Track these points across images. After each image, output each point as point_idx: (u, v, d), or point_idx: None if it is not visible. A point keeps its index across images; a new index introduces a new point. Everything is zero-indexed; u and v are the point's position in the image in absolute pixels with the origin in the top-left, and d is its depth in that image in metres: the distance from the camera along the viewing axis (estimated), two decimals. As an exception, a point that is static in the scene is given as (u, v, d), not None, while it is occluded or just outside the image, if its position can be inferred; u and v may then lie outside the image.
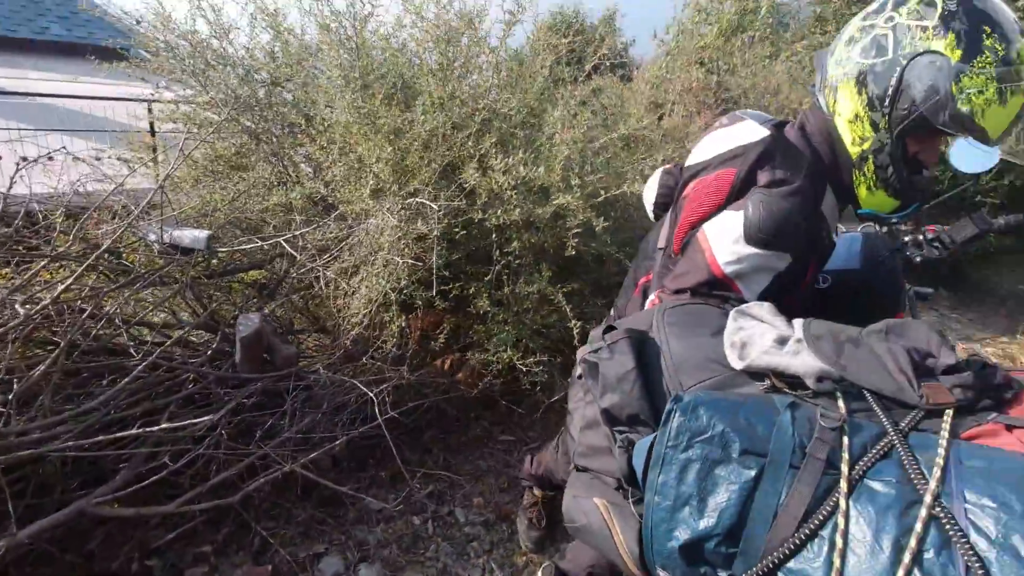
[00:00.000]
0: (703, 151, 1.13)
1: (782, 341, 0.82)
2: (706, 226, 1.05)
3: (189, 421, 1.61)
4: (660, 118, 4.45)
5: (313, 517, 1.89)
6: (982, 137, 0.92)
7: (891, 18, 0.93)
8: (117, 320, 1.91)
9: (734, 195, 1.03)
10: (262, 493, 1.86)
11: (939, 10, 0.89)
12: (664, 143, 3.05)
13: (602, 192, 1.91)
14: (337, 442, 1.92)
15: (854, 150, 1.01)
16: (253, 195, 2.55)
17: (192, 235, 2.17)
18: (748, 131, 1.08)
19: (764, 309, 0.90)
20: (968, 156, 1.69)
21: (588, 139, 1.98)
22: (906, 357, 0.75)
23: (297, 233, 2.04)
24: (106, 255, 2.01)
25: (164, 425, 1.57)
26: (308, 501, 1.94)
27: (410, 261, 1.77)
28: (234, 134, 2.65)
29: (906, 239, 1.66)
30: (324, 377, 2.06)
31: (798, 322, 0.86)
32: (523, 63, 2.17)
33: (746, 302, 0.97)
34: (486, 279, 2.02)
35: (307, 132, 2.21)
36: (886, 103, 0.94)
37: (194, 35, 2.59)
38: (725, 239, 1.01)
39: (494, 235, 1.97)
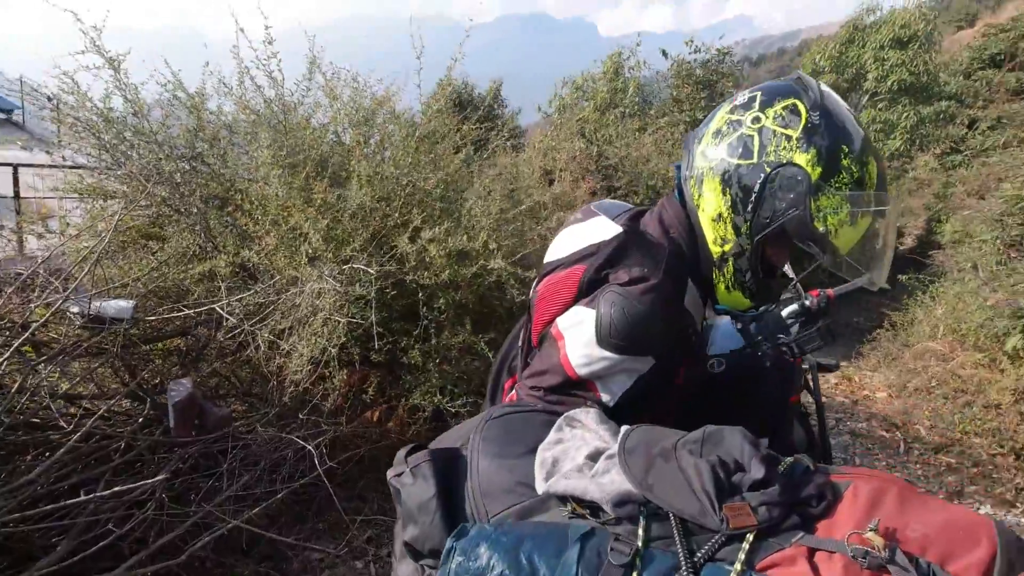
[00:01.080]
0: (559, 248, 1.11)
1: (595, 456, 0.79)
2: (559, 320, 1.00)
3: (136, 484, 1.66)
4: (550, 183, 5.01)
5: (257, 572, 1.95)
6: (832, 252, 0.94)
7: (758, 119, 0.92)
8: (43, 392, 1.91)
9: (583, 292, 1.00)
10: (205, 553, 1.90)
11: (803, 120, 0.90)
12: (556, 207, 3.52)
13: (518, 251, 2.27)
14: (278, 495, 2.01)
15: (715, 249, 1.00)
16: (173, 264, 2.61)
17: (116, 306, 2.21)
18: (601, 228, 1.05)
19: (591, 416, 0.87)
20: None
21: (501, 210, 2.34)
22: (711, 475, 0.70)
23: (232, 300, 2.16)
24: (20, 328, 2.00)
25: (115, 489, 1.61)
26: (250, 558, 2.00)
27: (348, 319, 1.98)
28: (152, 206, 2.72)
29: (788, 308, 1.79)
30: (260, 435, 2.16)
31: (622, 431, 0.82)
32: (437, 143, 2.51)
33: (600, 403, 0.96)
34: (415, 333, 2.26)
35: (237, 204, 2.36)
36: (748, 208, 0.93)
37: (110, 111, 2.67)
38: (578, 340, 0.95)
39: (420, 294, 2.24)
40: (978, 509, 3.08)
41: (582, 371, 0.96)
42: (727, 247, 0.98)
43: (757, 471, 0.71)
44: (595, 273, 0.99)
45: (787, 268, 2.12)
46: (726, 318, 1.53)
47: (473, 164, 2.62)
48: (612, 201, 1.18)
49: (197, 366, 2.47)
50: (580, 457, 0.80)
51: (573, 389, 0.97)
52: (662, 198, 1.10)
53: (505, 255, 2.24)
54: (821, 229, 0.90)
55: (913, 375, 4.33)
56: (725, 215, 0.96)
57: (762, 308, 1.05)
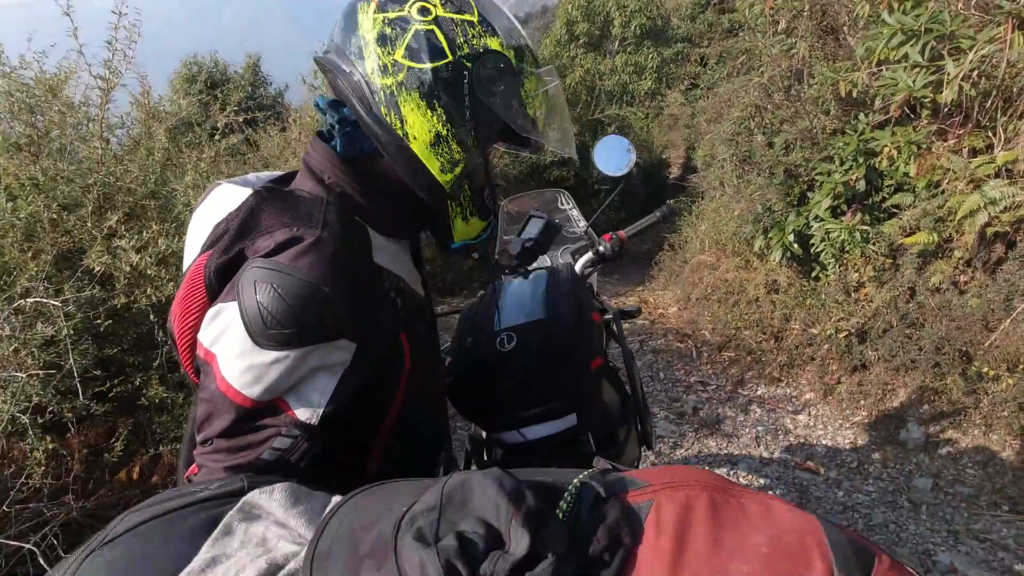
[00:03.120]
0: (188, 247, 0.82)
1: (273, 572, 0.52)
2: (201, 337, 0.71)
3: None
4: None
5: None
6: (538, 135, 0.85)
7: (425, 10, 0.77)
8: None
9: (213, 286, 0.73)
10: None
11: (471, 2, 0.80)
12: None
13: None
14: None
15: (445, 178, 0.80)
16: None
17: None
18: (227, 198, 0.79)
19: (276, 498, 0.58)
20: (611, 160, 1.60)
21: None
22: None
23: None
24: None
25: None
26: None
27: (39, 373, 1.49)
28: None
29: (583, 258, 1.56)
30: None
31: (326, 512, 0.55)
32: (139, 128, 1.99)
33: (301, 426, 0.69)
34: (155, 364, 1.82)
35: None
36: (467, 116, 0.78)
37: None
38: (231, 352, 0.68)
39: (152, 315, 1.79)
40: (756, 390, 3.56)
41: (254, 391, 0.67)
42: (458, 169, 0.80)
43: (519, 544, 0.45)
44: (223, 254, 0.71)
45: (577, 214, 2.06)
46: (515, 281, 1.38)
47: (199, 147, 2.14)
48: (269, 173, 0.90)
49: None
50: None
51: (256, 421, 0.68)
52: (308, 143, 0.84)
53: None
54: (532, 112, 0.82)
55: (693, 287, 4.86)
56: (445, 133, 0.78)
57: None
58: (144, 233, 1.60)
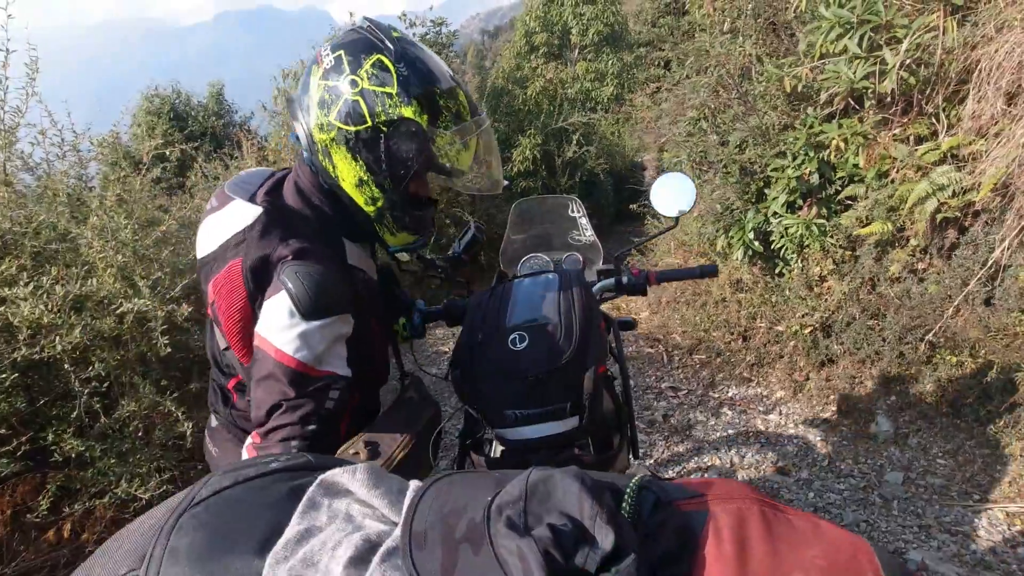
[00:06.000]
0: (205, 241, 1.08)
1: (365, 555, 0.51)
2: (258, 329, 0.97)
3: None
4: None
5: None
6: (460, 174, 1.12)
7: (354, 83, 0.99)
8: None
9: (250, 282, 0.99)
10: None
11: (394, 75, 0.99)
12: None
13: (178, 283, 1.81)
14: None
15: (370, 210, 1.07)
16: None
17: None
18: (240, 213, 1.05)
19: (358, 478, 0.58)
20: (667, 202, 1.64)
21: (144, 236, 1.84)
22: (539, 564, 0.46)
23: None
24: None
25: None
26: None
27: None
28: None
29: (605, 281, 1.60)
30: None
31: (408, 497, 0.56)
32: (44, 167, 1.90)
33: (342, 379, 0.97)
34: (73, 415, 1.72)
35: None
36: (383, 167, 1.02)
37: None
38: (280, 328, 0.94)
39: (67, 364, 1.69)
40: (727, 392, 3.51)
41: (301, 355, 0.93)
42: (379, 203, 1.07)
43: (605, 539, 0.48)
44: (255, 261, 0.98)
45: (585, 223, 2.01)
46: (526, 280, 1.43)
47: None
48: (249, 171, 1.15)
49: None
50: (338, 564, 0.49)
51: (311, 384, 0.95)
52: (295, 164, 1.12)
53: (168, 288, 1.78)
54: (448, 164, 1.08)
55: (663, 290, 4.81)
56: (366, 179, 1.04)
57: (430, 233, 1.17)
58: (44, 279, 1.51)
